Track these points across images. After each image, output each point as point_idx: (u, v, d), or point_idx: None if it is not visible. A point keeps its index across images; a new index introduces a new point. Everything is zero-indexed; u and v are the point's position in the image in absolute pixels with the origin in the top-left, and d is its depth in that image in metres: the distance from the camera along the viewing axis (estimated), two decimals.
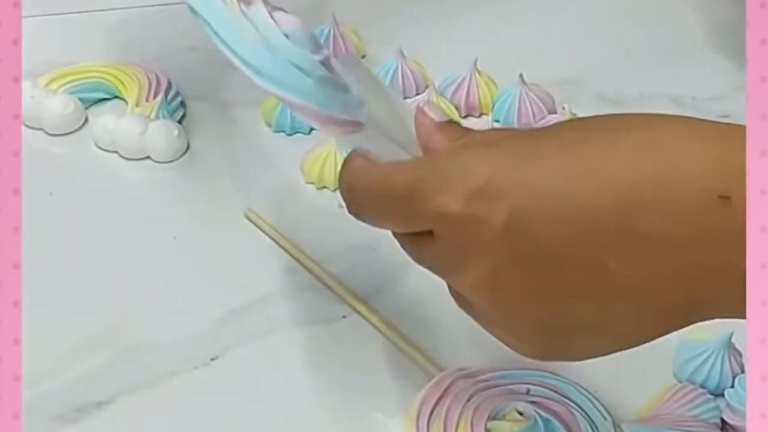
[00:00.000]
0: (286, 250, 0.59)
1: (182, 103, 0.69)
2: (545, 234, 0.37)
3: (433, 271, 0.42)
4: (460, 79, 0.69)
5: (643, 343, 0.40)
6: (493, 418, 0.49)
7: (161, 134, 0.65)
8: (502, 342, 0.42)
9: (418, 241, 0.42)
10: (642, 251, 0.36)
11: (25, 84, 0.66)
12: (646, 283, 0.37)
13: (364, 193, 0.42)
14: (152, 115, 0.66)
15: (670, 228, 0.36)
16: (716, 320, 0.54)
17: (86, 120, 0.67)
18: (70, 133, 0.67)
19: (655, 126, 0.37)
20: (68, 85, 0.68)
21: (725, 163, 0.36)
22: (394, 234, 0.43)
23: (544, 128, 0.41)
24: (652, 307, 0.38)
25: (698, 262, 0.36)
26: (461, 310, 0.57)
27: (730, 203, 0.35)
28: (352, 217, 0.57)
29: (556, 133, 0.39)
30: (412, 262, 0.59)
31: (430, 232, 0.40)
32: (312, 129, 0.67)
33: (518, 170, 0.38)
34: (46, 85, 0.68)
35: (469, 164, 0.39)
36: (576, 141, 0.38)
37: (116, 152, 0.65)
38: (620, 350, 0.40)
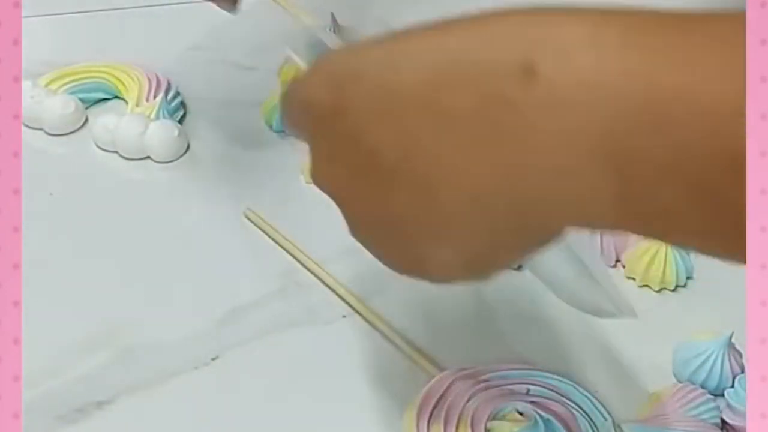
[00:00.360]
0: (286, 250, 0.59)
1: (182, 103, 0.69)
2: (364, 117, 0.37)
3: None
4: None
5: (499, 259, 0.38)
6: (493, 418, 0.49)
7: (161, 134, 0.65)
8: (365, 249, 0.42)
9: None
10: (445, 128, 0.35)
11: (25, 84, 0.66)
12: (457, 168, 0.35)
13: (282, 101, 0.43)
14: (152, 115, 0.66)
15: (468, 101, 0.34)
16: (716, 320, 0.55)
17: (86, 120, 0.67)
18: (70, 133, 0.67)
19: (512, 12, 0.35)
20: (68, 85, 0.68)
21: (540, 38, 0.33)
22: None
23: (441, 20, 0.39)
24: (473, 198, 0.35)
25: (500, 139, 0.34)
26: (461, 310, 0.57)
27: (536, 76, 0.33)
28: None
29: (434, 26, 0.39)
30: None
31: None
32: None
33: (356, 57, 0.39)
34: (46, 85, 0.68)
35: (327, 58, 0.40)
36: (434, 31, 0.38)
37: (116, 152, 0.65)
38: (477, 269, 0.39)
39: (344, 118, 0.37)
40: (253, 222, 0.61)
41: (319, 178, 0.41)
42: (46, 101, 0.66)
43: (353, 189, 0.39)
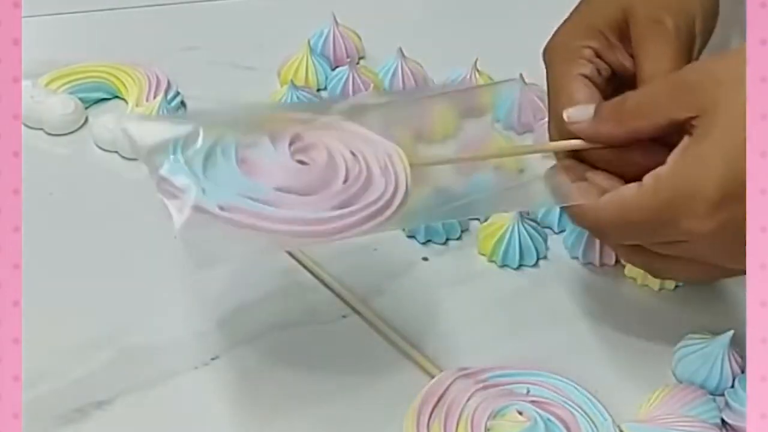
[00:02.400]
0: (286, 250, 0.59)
1: (182, 103, 0.69)
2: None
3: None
4: (460, 79, 0.69)
5: None
6: (493, 418, 0.49)
7: None
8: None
9: (670, 248, 0.47)
10: None
11: (25, 84, 0.66)
12: None
13: (608, 229, 0.48)
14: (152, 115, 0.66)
15: None
16: (716, 320, 0.55)
17: (86, 120, 0.67)
18: (70, 133, 0.67)
19: None
20: (68, 85, 0.68)
21: None
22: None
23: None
24: None
25: None
26: (461, 310, 0.57)
27: None
28: None
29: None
30: (412, 262, 0.59)
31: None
32: None
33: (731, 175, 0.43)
34: (46, 85, 0.68)
35: (697, 186, 0.44)
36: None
37: (116, 152, 0.65)
38: None
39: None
40: None
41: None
42: (46, 101, 0.66)
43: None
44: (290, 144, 0.47)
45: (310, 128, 0.49)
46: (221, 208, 0.44)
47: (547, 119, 0.67)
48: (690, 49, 0.52)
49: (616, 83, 0.53)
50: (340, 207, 0.45)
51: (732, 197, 0.43)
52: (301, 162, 0.47)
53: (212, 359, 0.53)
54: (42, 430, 0.50)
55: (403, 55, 0.69)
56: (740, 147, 0.42)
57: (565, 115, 0.49)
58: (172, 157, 0.46)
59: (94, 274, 0.58)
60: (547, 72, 0.54)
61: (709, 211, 0.44)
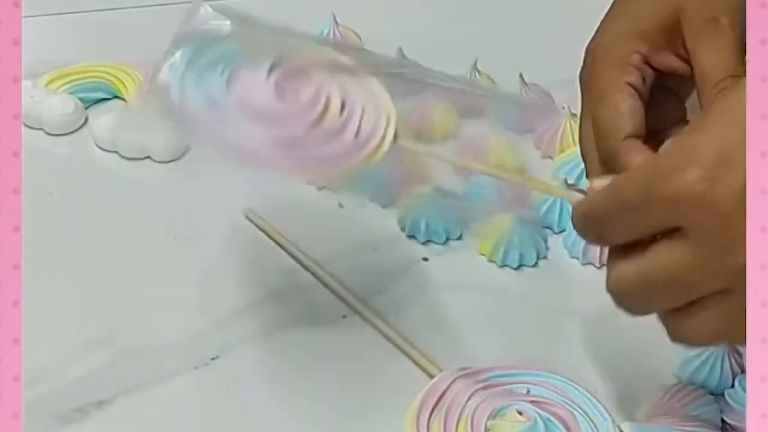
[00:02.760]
0: (286, 250, 0.59)
1: None
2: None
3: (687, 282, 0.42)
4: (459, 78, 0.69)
5: None
6: (493, 418, 0.49)
7: (161, 134, 0.65)
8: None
9: (666, 249, 0.42)
10: None
11: (25, 84, 0.66)
12: None
13: (598, 216, 0.43)
14: None
15: None
16: None
17: (86, 120, 0.68)
18: (70, 133, 0.67)
19: None
20: (68, 85, 0.68)
21: None
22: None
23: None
24: None
25: None
26: (461, 310, 0.57)
27: None
28: (351, 217, 0.58)
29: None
30: (412, 262, 0.59)
31: (674, 233, 0.41)
32: None
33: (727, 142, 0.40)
34: (46, 85, 0.68)
35: (695, 146, 0.40)
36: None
37: (116, 152, 0.65)
38: None
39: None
40: (253, 222, 0.61)
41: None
42: (46, 101, 0.66)
43: None
44: (287, 76, 0.48)
45: (332, 68, 0.50)
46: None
47: (547, 120, 0.67)
48: (746, 42, 0.51)
49: (655, 84, 0.52)
50: (287, 148, 0.46)
51: (726, 163, 0.40)
52: (282, 90, 0.48)
53: (212, 359, 0.53)
54: (42, 430, 0.50)
55: (403, 55, 0.69)
56: (740, 119, 0.40)
57: (588, 184, 0.46)
58: (176, 59, 0.50)
59: (94, 274, 0.58)
60: (589, 72, 0.52)
61: (702, 173, 0.40)
